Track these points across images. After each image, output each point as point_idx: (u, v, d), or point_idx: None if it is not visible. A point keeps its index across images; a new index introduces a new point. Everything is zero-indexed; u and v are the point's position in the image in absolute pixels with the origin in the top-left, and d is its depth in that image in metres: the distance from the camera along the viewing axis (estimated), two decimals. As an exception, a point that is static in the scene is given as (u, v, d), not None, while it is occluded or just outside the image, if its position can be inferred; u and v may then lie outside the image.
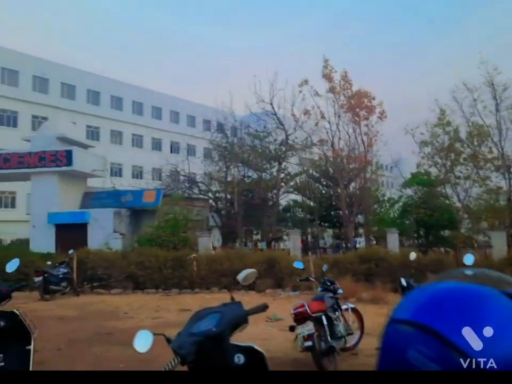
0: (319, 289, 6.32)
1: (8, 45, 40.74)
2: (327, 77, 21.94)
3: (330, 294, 6.10)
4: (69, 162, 19.13)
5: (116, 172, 45.12)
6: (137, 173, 47.82)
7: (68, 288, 12.96)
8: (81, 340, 7.30)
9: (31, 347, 4.01)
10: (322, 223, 28.12)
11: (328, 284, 6.28)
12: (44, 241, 18.21)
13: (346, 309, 6.36)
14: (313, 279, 6.91)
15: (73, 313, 10.34)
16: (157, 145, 52.70)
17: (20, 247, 17.79)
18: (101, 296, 13.02)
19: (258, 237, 28.52)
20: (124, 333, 8.01)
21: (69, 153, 19.18)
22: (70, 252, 13.89)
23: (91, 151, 22.13)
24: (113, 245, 17.02)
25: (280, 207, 27.76)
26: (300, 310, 5.47)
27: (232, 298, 3.27)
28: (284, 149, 25.21)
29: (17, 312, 3.98)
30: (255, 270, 3.65)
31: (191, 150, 45.85)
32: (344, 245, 24.58)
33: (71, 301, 12.23)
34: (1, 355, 3.83)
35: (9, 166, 19.52)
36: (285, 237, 25.62)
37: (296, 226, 24.90)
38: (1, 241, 24.41)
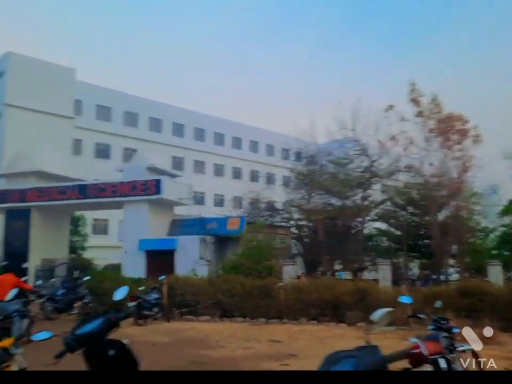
0: (431, 327, 5.77)
1: (102, 84, 44.35)
2: (415, 101, 21.13)
3: (445, 334, 5.53)
4: (158, 191, 19.94)
5: (199, 200, 46.87)
6: (219, 201, 49.07)
7: (159, 314, 13.21)
8: (177, 368, 7.24)
9: None
10: (410, 253, 26.63)
11: (442, 321, 5.71)
12: (134, 267, 18.96)
13: (463, 351, 5.72)
14: (424, 316, 6.33)
15: (166, 339, 10.45)
16: (237, 174, 54.03)
17: (114, 272, 18.61)
18: (190, 323, 13.12)
19: (340, 266, 27.75)
20: (218, 363, 7.91)
21: (158, 182, 20.02)
22: (161, 277, 14.24)
23: (178, 180, 22.96)
24: (200, 272, 17.23)
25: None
26: (416, 351, 4.97)
27: (368, 342, 2.92)
28: (367, 175, 24.46)
29: (125, 342, 3.93)
30: (392, 309, 3.28)
31: (270, 178, 46.35)
32: (435, 277, 23.05)
33: (162, 327, 12.42)
34: None
35: (104, 195, 20.78)
36: (370, 267, 24.58)
37: (380, 255, 23.79)
38: (96, 266, 25.80)
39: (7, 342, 4.70)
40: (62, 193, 21.00)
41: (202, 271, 17.83)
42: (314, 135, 25.93)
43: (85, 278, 15.46)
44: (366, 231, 27.22)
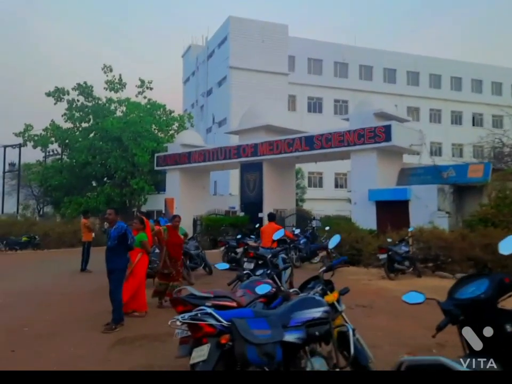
0: None
1: (314, 37, 44.14)
2: None
3: None
4: (388, 137, 18.48)
5: (436, 150, 44.46)
6: (457, 151, 45.66)
7: (411, 268, 12.14)
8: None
9: None
10: None
11: None
12: (365, 218, 18.22)
13: None
14: None
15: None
16: (477, 120, 48.93)
17: (348, 223, 18.20)
18: (445, 280, 11.66)
19: None
20: None
21: (387, 128, 18.53)
22: (410, 229, 13.10)
23: (407, 125, 21.03)
24: (439, 224, 15.50)
25: None
26: None
27: None
28: None
29: None
30: None
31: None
32: None
33: (416, 282, 11.30)
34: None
35: (331, 146, 20.31)
36: None
37: None
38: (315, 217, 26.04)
39: (332, 297, 3.91)
40: (290, 145, 21.36)
41: (442, 223, 16.02)
42: None
43: (326, 228, 15.33)
44: None
